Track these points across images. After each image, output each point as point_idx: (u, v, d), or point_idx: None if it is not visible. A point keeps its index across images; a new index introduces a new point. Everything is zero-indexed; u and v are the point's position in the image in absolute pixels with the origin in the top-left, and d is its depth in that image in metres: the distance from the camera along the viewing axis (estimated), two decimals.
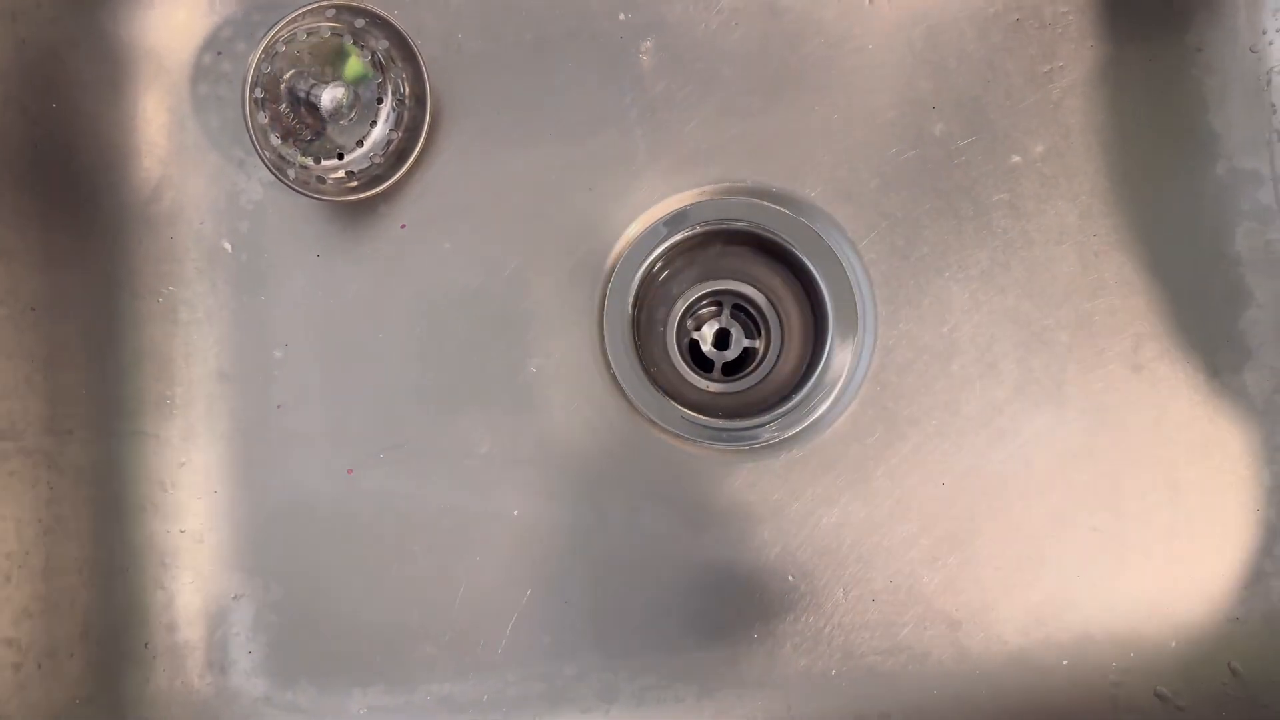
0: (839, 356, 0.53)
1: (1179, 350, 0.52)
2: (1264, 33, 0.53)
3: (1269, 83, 0.51)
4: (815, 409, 0.53)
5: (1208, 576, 0.52)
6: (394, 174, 0.53)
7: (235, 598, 0.52)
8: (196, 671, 0.52)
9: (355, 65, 0.53)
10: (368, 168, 0.54)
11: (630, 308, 0.54)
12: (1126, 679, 0.51)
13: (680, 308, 0.57)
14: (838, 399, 0.53)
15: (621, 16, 0.54)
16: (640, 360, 0.54)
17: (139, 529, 0.52)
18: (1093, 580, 0.52)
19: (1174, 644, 0.51)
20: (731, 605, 0.52)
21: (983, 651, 0.51)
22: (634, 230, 0.54)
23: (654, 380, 0.54)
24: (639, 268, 0.54)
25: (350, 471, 0.53)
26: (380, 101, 0.54)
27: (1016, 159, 0.53)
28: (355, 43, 0.52)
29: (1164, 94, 0.53)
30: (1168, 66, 0.54)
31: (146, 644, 0.52)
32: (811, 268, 0.54)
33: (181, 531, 0.52)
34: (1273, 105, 0.51)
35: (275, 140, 0.52)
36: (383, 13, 0.51)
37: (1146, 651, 0.51)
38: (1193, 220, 0.53)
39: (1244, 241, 0.53)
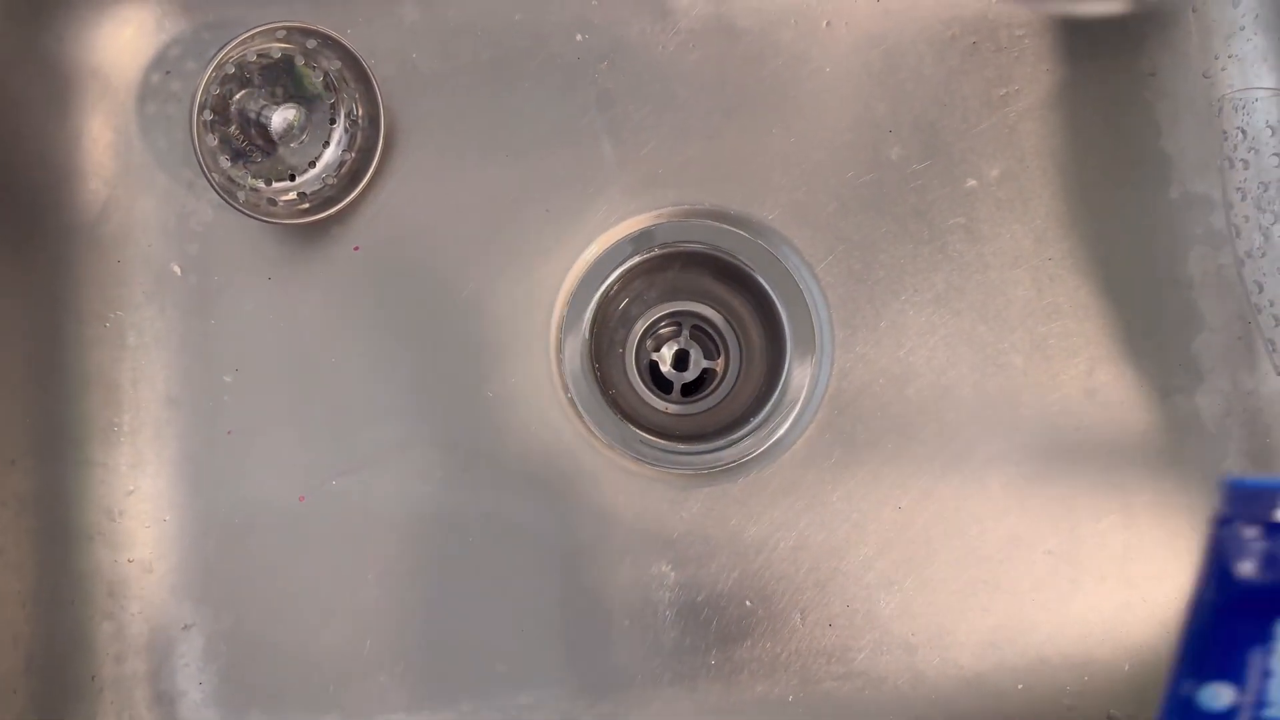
0: (797, 379, 0.53)
1: (1133, 373, 0.53)
2: (1216, 58, 0.53)
3: (1220, 110, 0.52)
4: (773, 432, 0.53)
5: (1160, 599, 0.52)
6: (347, 196, 0.52)
7: (185, 627, 0.51)
8: (145, 704, 0.51)
9: (307, 82, 0.52)
10: (320, 189, 0.53)
11: (587, 330, 0.54)
12: (1081, 702, 0.51)
13: (639, 329, 0.57)
14: (795, 422, 0.53)
15: (579, 37, 0.54)
16: (598, 383, 0.54)
17: (85, 559, 0.51)
18: (1047, 603, 0.52)
19: (1127, 667, 0.52)
20: (689, 631, 0.52)
21: (938, 676, 0.52)
22: (591, 252, 0.54)
23: (612, 403, 0.54)
24: (597, 290, 0.54)
25: (302, 498, 0.52)
26: (333, 122, 0.53)
27: (972, 183, 0.53)
28: (307, 64, 0.52)
29: (1118, 118, 0.54)
30: (1121, 91, 0.54)
31: (93, 676, 0.51)
32: (769, 290, 0.54)
33: (130, 561, 0.52)
34: (1224, 132, 0.52)
35: (225, 163, 0.51)
36: (334, 34, 0.51)
37: (1100, 674, 0.52)
38: (1146, 244, 0.53)
39: (1196, 265, 0.53)
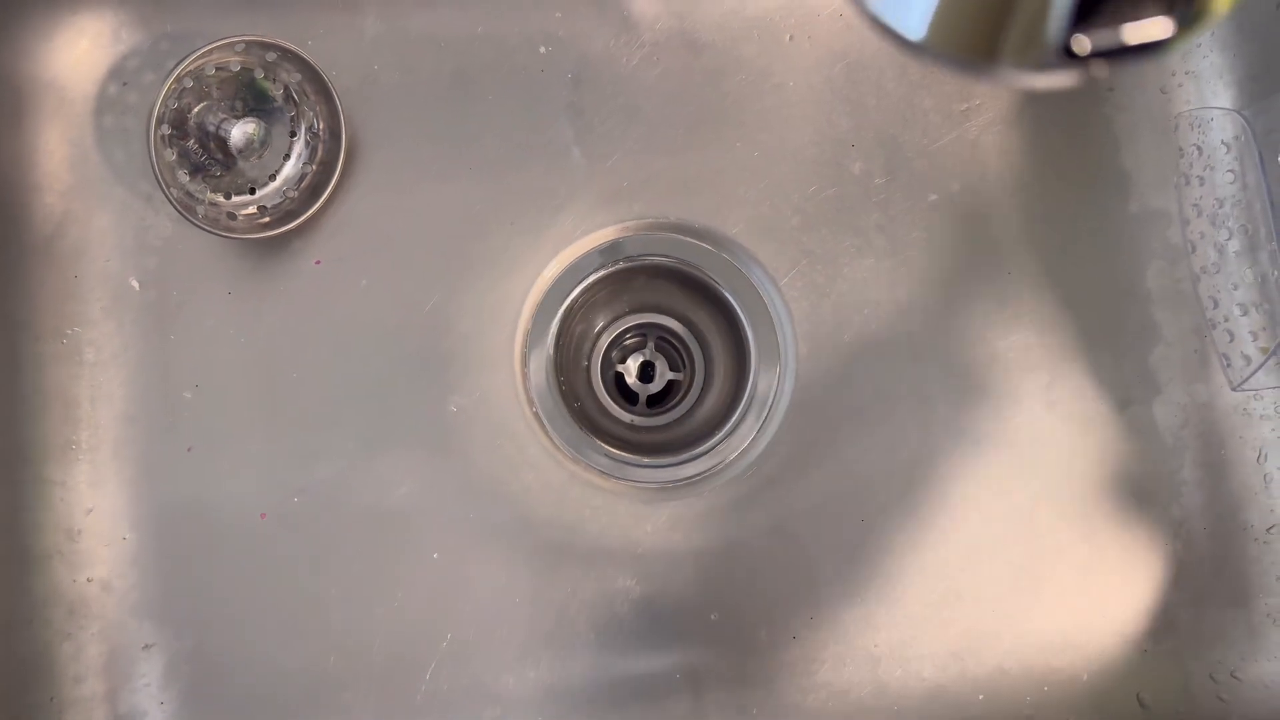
0: (761, 391, 0.53)
1: (1091, 387, 0.53)
2: (1173, 74, 0.54)
3: (1177, 126, 0.52)
4: (737, 445, 0.53)
5: (1118, 609, 0.53)
6: (308, 209, 0.52)
7: (146, 647, 0.51)
8: None
9: (267, 96, 0.52)
10: (280, 203, 0.52)
11: (552, 344, 0.53)
12: (1040, 713, 0.52)
13: (604, 342, 0.57)
14: (759, 435, 0.53)
15: (542, 50, 0.54)
16: (563, 397, 0.53)
17: (44, 579, 0.50)
18: (1008, 614, 0.52)
19: (1085, 677, 0.52)
20: (655, 645, 0.52)
21: (901, 687, 0.52)
22: (556, 266, 0.54)
23: (577, 417, 0.54)
24: (561, 303, 0.54)
25: (263, 515, 0.51)
26: (293, 135, 0.52)
27: (934, 197, 0.54)
28: (266, 77, 0.51)
29: (1077, 133, 0.54)
30: (1081, 106, 0.54)
31: (52, 698, 0.50)
32: (734, 303, 0.54)
33: (89, 580, 0.51)
34: (1180, 148, 0.52)
35: (184, 178, 0.50)
36: (294, 47, 0.50)
37: (1059, 685, 0.52)
38: (1105, 258, 0.54)
39: (1154, 280, 0.54)
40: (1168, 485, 0.53)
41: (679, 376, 0.58)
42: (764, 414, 0.53)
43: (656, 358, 0.57)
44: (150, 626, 0.51)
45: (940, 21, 0.26)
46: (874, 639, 0.52)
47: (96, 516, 0.51)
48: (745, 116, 0.54)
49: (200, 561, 0.51)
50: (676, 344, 0.58)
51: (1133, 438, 0.53)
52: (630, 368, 0.57)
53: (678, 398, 0.58)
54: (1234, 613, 0.53)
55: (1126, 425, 0.53)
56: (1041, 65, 0.25)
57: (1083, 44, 0.24)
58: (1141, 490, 0.53)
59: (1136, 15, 0.22)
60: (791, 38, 0.54)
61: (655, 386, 0.57)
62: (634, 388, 0.57)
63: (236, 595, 0.51)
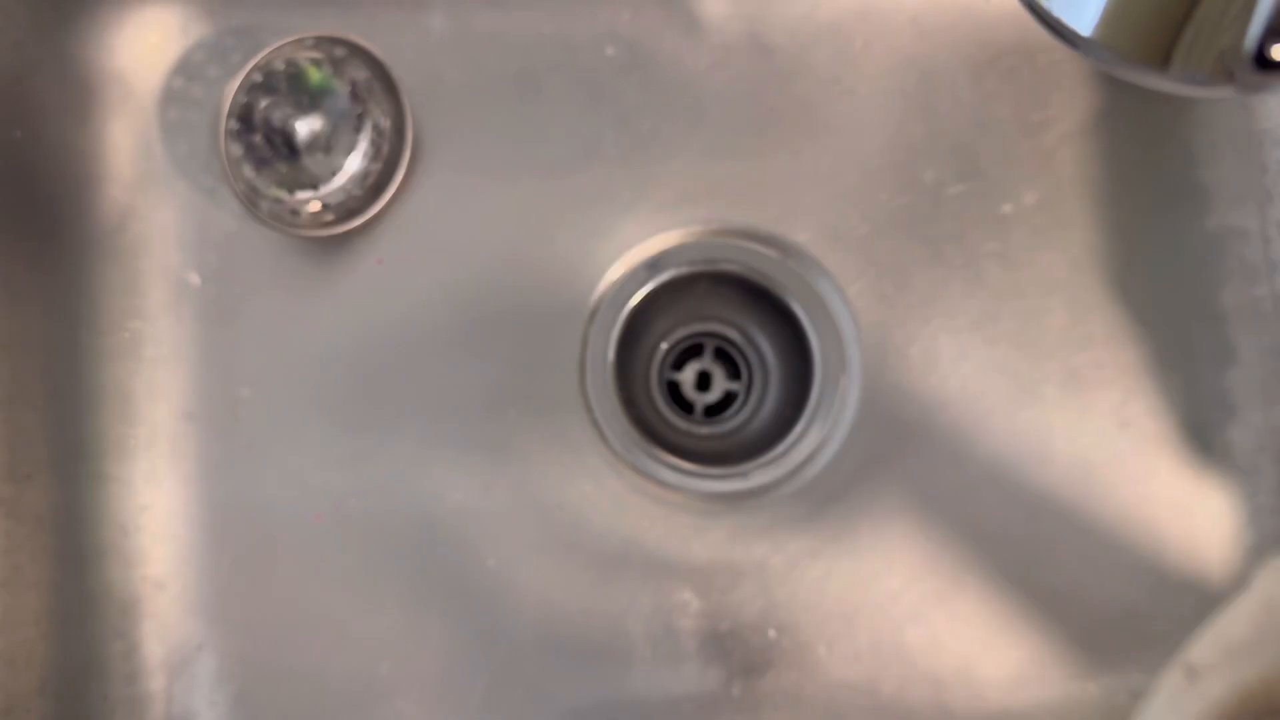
0: (825, 403, 0.52)
1: (1165, 406, 0.52)
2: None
3: (1261, 143, 0.51)
4: (800, 458, 0.52)
5: (1188, 636, 0.51)
6: (371, 207, 0.51)
7: (198, 647, 0.50)
8: None
9: (334, 92, 0.51)
10: (344, 200, 0.52)
11: (613, 350, 0.53)
12: None
13: (664, 350, 0.56)
14: (823, 448, 0.52)
15: (609, 51, 0.53)
16: (622, 404, 0.53)
17: (99, 576, 0.50)
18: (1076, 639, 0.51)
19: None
20: (712, 661, 0.51)
21: (966, 711, 0.51)
22: (617, 270, 0.53)
23: (636, 424, 0.53)
24: (622, 309, 0.53)
25: (319, 516, 0.51)
26: (358, 132, 0.52)
27: (1008, 208, 0.53)
28: (335, 73, 0.51)
29: (1155, 147, 0.53)
30: (1160, 119, 0.53)
31: (105, 697, 0.50)
32: (799, 313, 0.53)
33: (143, 578, 0.50)
34: (1264, 165, 0.51)
35: (248, 172, 0.50)
36: (364, 43, 0.50)
37: (1126, 713, 0.51)
38: (1181, 275, 0.53)
39: (1231, 298, 0.53)
40: (1243, 509, 0.52)
41: (736, 386, 0.57)
42: (829, 426, 0.52)
43: (714, 367, 0.56)
44: (203, 626, 0.50)
45: (1113, 18, 0.25)
46: (938, 661, 0.51)
47: (152, 513, 0.51)
48: (815, 122, 0.53)
49: (254, 561, 0.51)
50: (735, 353, 0.57)
51: (1207, 460, 0.52)
52: (687, 377, 0.56)
53: (735, 408, 0.57)
54: None
55: (1201, 447, 0.52)
56: (1219, 73, 0.23)
57: None
58: (1215, 514, 0.52)
59: None
60: (864, 44, 0.53)
61: (712, 396, 0.56)
62: (690, 398, 0.56)
63: (290, 597, 0.51)
